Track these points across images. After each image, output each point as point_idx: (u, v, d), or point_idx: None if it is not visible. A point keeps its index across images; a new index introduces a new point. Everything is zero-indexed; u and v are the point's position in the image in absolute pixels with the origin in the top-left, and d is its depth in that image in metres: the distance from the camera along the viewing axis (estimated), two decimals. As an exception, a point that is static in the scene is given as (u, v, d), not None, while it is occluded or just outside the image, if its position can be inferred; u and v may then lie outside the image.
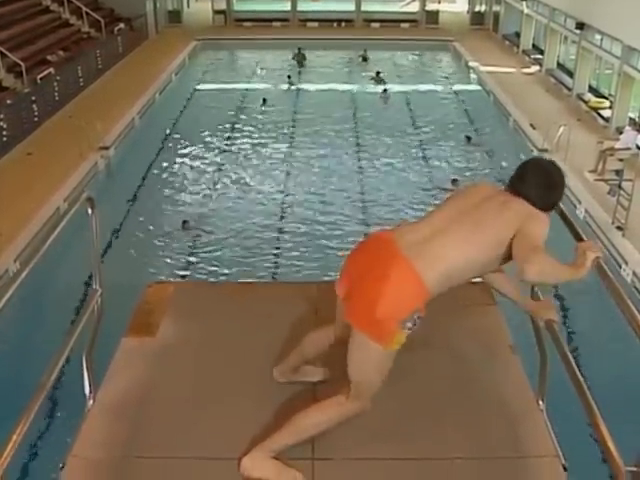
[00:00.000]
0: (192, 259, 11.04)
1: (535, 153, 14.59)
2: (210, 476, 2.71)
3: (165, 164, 15.03)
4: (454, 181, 13.41)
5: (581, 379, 2.50)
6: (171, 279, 9.83)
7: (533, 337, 3.04)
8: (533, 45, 24.73)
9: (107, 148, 14.77)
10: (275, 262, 10.95)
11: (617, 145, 14.08)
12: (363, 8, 29.48)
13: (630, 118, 15.92)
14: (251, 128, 17.37)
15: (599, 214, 11.80)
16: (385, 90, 20.56)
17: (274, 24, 29.10)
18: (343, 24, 29.21)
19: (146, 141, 16.27)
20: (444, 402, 3.06)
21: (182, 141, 16.36)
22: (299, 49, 24.12)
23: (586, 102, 18.24)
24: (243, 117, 18.40)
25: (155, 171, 14.62)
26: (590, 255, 2.49)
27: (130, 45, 23.77)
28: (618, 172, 12.39)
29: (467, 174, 14.37)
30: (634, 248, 10.49)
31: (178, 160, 15.33)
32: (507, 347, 3.40)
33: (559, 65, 22.14)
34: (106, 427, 2.92)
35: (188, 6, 31.82)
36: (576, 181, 12.72)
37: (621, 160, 13.39)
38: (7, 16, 18.92)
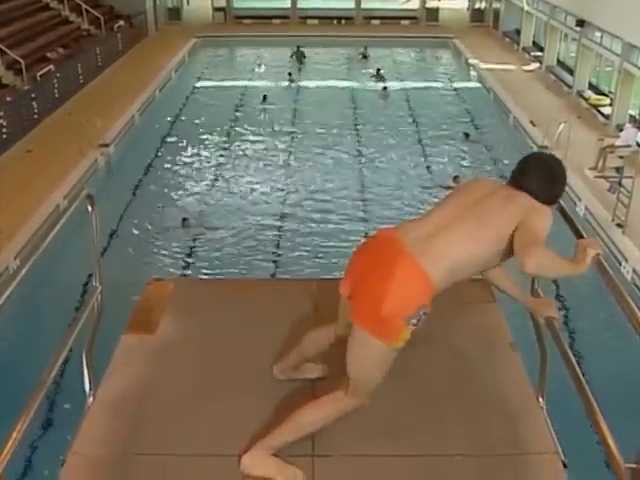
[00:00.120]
0: (191, 257, 11.03)
1: (535, 150, 14.58)
2: (210, 473, 2.71)
3: (165, 161, 15.01)
4: (455, 178, 13.37)
5: (581, 376, 2.50)
6: (171, 276, 9.82)
7: (533, 334, 3.04)
8: (533, 42, 24.69)
9: (107, 145, 14.75)
10: (275, 260, 10.95)
11: (617, 142, 14.05)
12: (363, 5, 29.42)
13: (630, 115, 15.91)
14: (251, 125, 17.35)
15: (599, 211, 11.79)
16: (385, 87, 20.52)
17: (274, 21, 29.05)
18: (343, 21, 29.17)
19: (146, 138, 16.24)
20: (444, 399, 3.06)
21: (182, 138, 16.34)
22: (298, 47, 24.06)
23: (586, 99, 18.20)
24: (243, 114, 18.38)
25: (155, 168, 14.61)
26: (590, 252, 2.49)
27: (130, 42, 23.72)
28: (618, 169, 12.39)
29: (466, 171, 14.33)
30: (634, 245, 10.47)
31: (178, 157, 15.31)
32: (507, 344, 3.40)
33: (559, 62, 22.10)
34: (106, 424, 2.92)
35: (188, 3, 31.75)
36: (576, 178, 12.70)
37: (621, 157, 13.37)
38: (7, 13, 18.85)
